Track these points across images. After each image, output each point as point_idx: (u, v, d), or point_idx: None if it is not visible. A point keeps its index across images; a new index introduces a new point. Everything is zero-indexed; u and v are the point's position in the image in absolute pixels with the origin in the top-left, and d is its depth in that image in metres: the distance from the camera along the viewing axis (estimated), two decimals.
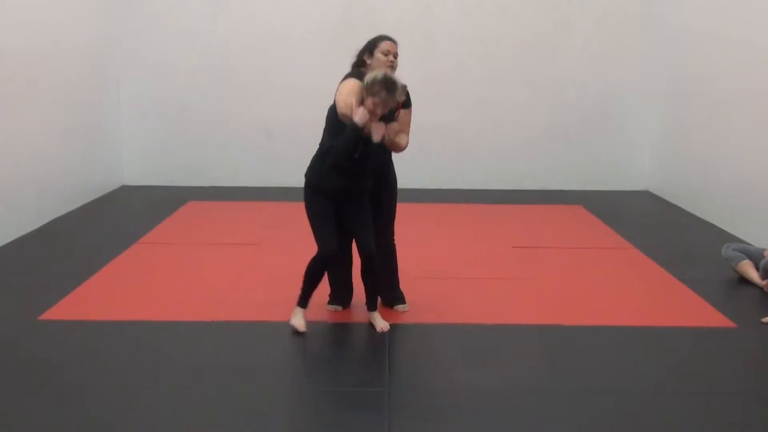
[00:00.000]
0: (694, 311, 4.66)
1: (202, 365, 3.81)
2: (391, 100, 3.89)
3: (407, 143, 4.30)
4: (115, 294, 4.83)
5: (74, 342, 4.08)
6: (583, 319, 4.50)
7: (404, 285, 4.96)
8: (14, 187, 6.08)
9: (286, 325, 4.31)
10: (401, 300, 4.56)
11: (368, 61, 4.19)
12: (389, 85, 3.87)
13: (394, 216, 4.53)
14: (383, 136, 3.98)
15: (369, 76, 3.92)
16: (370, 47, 4.21)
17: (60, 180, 6.92)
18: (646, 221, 7.20)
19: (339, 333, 4.26)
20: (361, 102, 3.92)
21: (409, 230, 6.55)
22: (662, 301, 4.84)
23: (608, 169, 8.58)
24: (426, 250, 5.95)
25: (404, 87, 4.09)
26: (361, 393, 3.55)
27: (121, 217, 7.11)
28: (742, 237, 6.25)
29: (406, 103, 4.25)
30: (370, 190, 4.23)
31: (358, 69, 4.21)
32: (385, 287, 4.49)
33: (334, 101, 4.08)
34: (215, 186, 8.36)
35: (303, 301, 4.21)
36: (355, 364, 3.90)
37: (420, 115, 8.32)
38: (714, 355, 4.06)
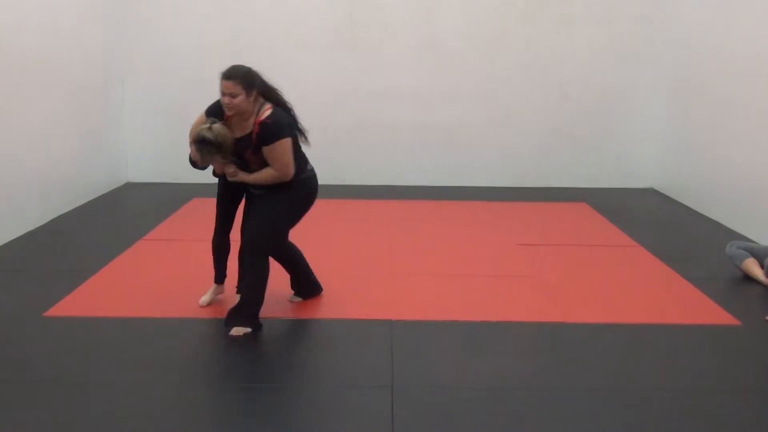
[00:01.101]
0: (699, 309, 4.66)
1: (206, 362, 3.82)
2: (207, 159, 4.02)
3: (276, 178, 4.02)
4: (120, 291, 4.84)
5: (79, 339, 4.09)
6: (588, 316, 4.50)
7: (408, 281, 4.96)
8: (19, 185, 6.09)
9: (291, 321, 4.32)
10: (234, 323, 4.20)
11: None
12: (200, 147, 3.97)
13: (267, 231, 4.16)
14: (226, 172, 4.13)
15: (196, 131, 4.03)
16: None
17: (65, 177, 6.93)
18: (651, 219, 7.19)
19: (342, 329, 4.26)
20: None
21: (414, 228, 6.58)
22: (667, 299, 4.84)
23: (613, 166, 8.57)
24: (430, 247, 5.96)
25: (267, 125, 3.96)
26: (364, 390, 3.55)
27: (125, 214, 7.12)
28: (747, 235, 6.24)
29: (267, 140, 3.96)
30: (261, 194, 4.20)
31: (218, 101, 4.12)
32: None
33: None
34: None
35: (215, 278, 4.56)
36: (358, 360, 3.90)
37: (425, 113, 8.42)
38: (718, 352, 4.06)
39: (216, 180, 4.42)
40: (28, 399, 3.41)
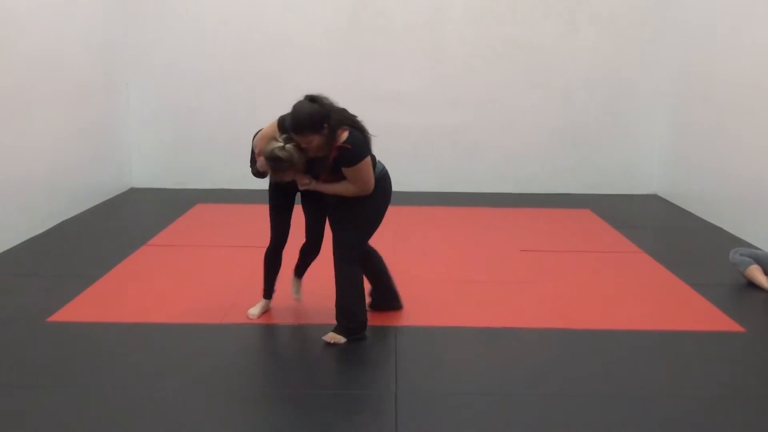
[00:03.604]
0: (703, 315, 4.65)
1: (210, 367, 3.82)
2: (278, 174, 3.95)
3: (355, 193, 3.98)
4: (124, 296, 4.84)
5: (83, 344, 4.10)
6: (591, 323, 4.49)
7: (412, 287, 4.95)
8: (24, 189, 6.11)
9: (295, 327, 4.32)
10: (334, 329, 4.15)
11: None
12: (272, 165, 3.92)
13: (355, 237, 4.14)
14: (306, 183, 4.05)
15: (267, 145, 3.96)
16: None
17: (69, 182, 6.95)
18: (655, 225, 7.18)
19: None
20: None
21: (417, 233, 6.58)
22: (671, 305, 4.83)
23: (617, 172, 8.56)
24: (434, 253, 5.95)
25: (347, 150, 3.86)
26: (368, 396, 3.55)
27: (130, 220, 7.13)
28: (751, 241, 6.22)
29: (348, 162, 3.90)
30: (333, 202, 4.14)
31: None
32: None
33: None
34: (224, 188, 8.38)
35: (265, 293, 4.49)
36: (362, 366, 3.91)
37: (428, 118, 8.42)
38: (722, 359, 4.05)
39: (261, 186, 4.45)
40: (30, 404, 3.42)
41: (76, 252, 5.89)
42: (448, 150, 8.52)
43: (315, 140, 3.84)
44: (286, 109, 9.41)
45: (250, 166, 4.23)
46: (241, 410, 3.40)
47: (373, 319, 4.43)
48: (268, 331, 4.29)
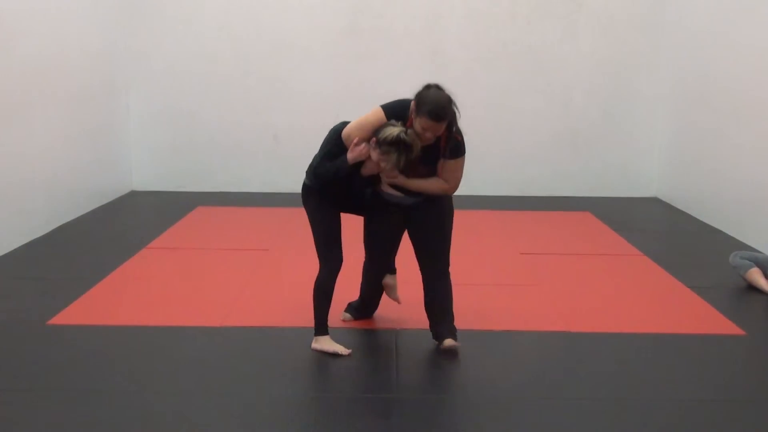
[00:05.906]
0: (703, 318, 4.65)
1: (210, 370, 3.82)
2: (400, 162, 3.71)
3: (443, 190, 3.91)
4: (124, 299, 4.84)
5: (83, 347, 4.09)
6: (591, 326, 4.49)
7: (413, 290, 4.95)
8: (24, 192, 6.11)
9: (294, 330, 4.31)
10: (448, 334, 4.06)
11: (413, 115, 3.75)
12: (392, 149, 3.67)
13: (448, 247, 4.12)
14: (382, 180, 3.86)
15: (384, 130, 3.70)
16: (418, 107, 3.71)
17: (69, 185, 6.95)
18: (655, 228, 7.18)
19: (346, 338, 4.25)
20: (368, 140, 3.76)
21: None
22: (671, 309, 4.83)
23: (616, 175, 8.57)
24: None
25: (458, 141, 3.79)
26: (368, 399, 3.55)
27: (130, 222, 7.13)
28: (752, 245, 6.22)
29: (455, 153, 3.84)
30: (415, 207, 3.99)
31: (402, 106, 3.86)
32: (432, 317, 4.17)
33: (344, 123, 3.95)
34: (224, 191, 8.38)
35: (322, 328, 4.03)
36: (362, 370, 3.90)
37: None
38: (723, 362, 4.05)
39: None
40: (30, 408, 3.42)
41: (77, 255, 5.89)
42: None
43: (443, 129, 3.72)
44: (286, 111, 9.36)
45: (319, 164, 3.88)
46: (241, 413, 3.39)
47: (373, 322, 4.43)
48: (267, 334, 4.29)
